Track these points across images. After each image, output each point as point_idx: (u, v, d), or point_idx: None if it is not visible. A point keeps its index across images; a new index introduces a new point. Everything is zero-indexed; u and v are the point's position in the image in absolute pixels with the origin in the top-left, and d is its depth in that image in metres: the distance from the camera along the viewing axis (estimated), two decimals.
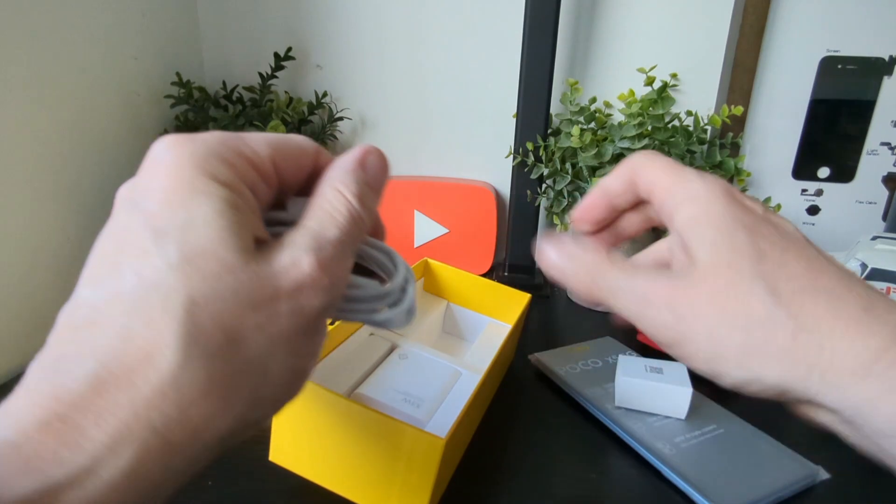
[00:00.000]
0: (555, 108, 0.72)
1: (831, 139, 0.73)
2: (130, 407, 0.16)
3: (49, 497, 0.15)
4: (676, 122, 0.68)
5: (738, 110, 0.66)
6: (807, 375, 0.22)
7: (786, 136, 0.73)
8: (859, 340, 0.22)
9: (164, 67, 0.72)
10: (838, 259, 0.65)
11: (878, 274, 0.57)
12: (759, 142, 0.74)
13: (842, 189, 0.74)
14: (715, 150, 0.68)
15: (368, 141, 0.81)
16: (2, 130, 0.50)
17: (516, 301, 0.53)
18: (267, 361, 0.18)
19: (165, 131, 0.73)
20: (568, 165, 0.68)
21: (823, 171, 0.74)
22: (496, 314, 0.56)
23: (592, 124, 0.69)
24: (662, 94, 0.63)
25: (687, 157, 0.67)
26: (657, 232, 0.67)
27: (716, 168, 0.67)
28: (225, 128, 0.71)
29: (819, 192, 0.75)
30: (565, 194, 0.68)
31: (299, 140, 0.22)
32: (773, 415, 0.49)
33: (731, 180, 0.69)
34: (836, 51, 0.69)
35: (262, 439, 0.43)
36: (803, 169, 0.74)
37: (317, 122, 0.78)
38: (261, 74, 0.74)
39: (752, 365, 0.23)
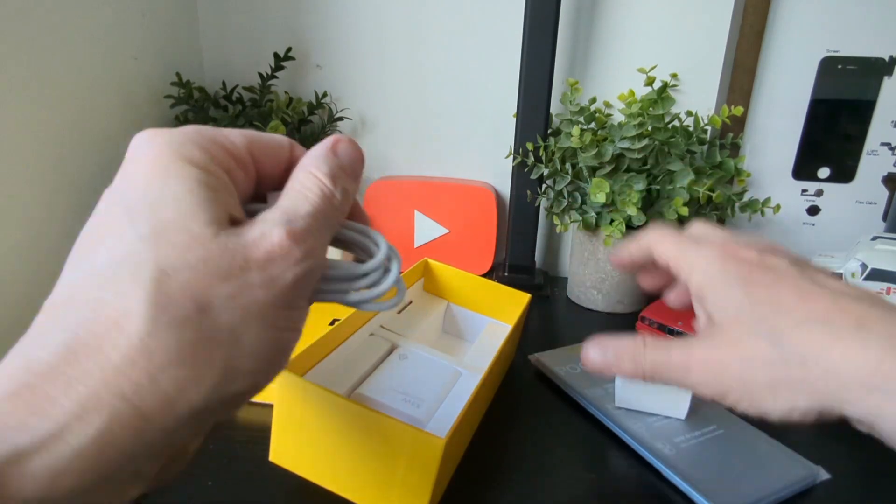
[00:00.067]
0: (555, 108, 0.72)
1: (831, 139, 0.73)
2: (100, 374, 0.16)
3: (13, 462, 0.15)
4: (676, 123, 0.68)
5: (738, 110, 0.66)
6: (827, 396, 0.25)
7: (786, 136, 0.73)
8: (857, 359, 0.24)
9: (164, 67, 0.72)
10: (838, 259, 0.65)
11: (878, 274, 0.57)
12: (759, 142, 0.74)
13: (842, 189, 0.74)
14: (715, 150, 0.68)
15: (368, 141, 0.81)
16: (2, 130, 0.50)
17: (516, 301, 0.53)
18: (240, 332, 0.18)
19: None
20: (568, 165, 0.68)
21: (823, 172, 0.74)
22: (496, 314, 0.56)
23: (592, 124, 0.69)
24: (662, 95, 0.63)
25: (687, 158, 0.67)
26: None
27: (716, 168, 0.67)
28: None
29: (819, 193, 0.75)
30: (565, 194, 0.68)
31: (274, 135, 0.23)
32: None
33: (731, 181, 0.70)
34: (836, 51, 0.69)
35: (262, 439, 0.43)
36: (803, 169, 0.74)
37: (317, 122, 0.78)
38: (261, 74, 0.74)
39: (784, 398, 0.26)
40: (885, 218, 0.74)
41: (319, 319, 0.60)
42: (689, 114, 0.70)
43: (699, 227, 0.35)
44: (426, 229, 0.79)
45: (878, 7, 0.67)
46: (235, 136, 0.21)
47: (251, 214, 0.21)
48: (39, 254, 0.54)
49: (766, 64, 0.71)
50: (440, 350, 0.48)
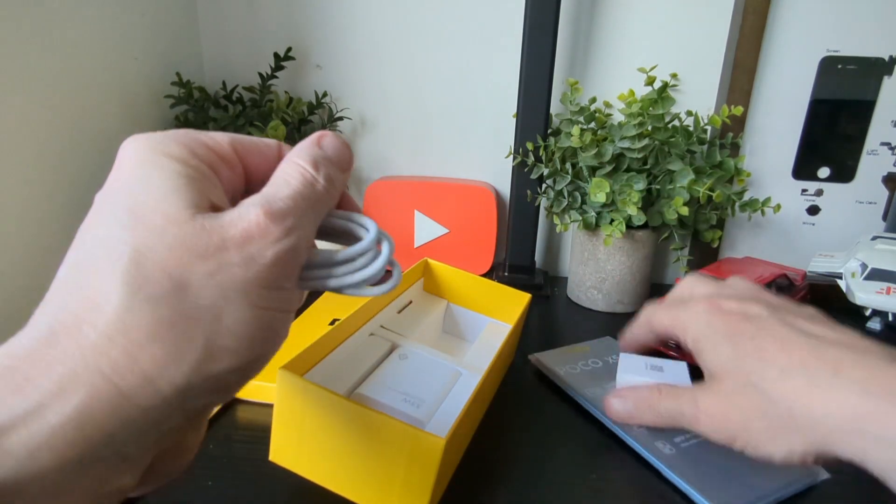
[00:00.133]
0: (555, 108, 0.72)
1: (831, 139, 0.73)
2: (78, 353, 0.17)
3: None
4: (676, 122, 0.68)
5: (738, 110, 0.66)
6: (818, 442, 0.27)
7: (786, 136, 0.73)
8: (836, 407, 0.26)
9: (164, 67, 0.72)
10: (838, 259, 0.65)
11: (877, 274, 0.57)
12: (759, 142, 0.74)
13: (842, 189, 0.74)
14: (715, 150, 0.68)
15: (368, 141, 0.81)
16: (1, 130, 0.50)
17: (516, 301, 0.53)
18: (220, 309, 0.18)
19: None
20: (568, 165, 0.68)
21: (823, 171, 0.74)
22: (496, 314, 0.56)
23: (592, 124, 0.69)
24: (662, 94, 0.63)
25: (687, 157, 0.67)
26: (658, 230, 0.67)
27: (716, 168, 0.67)
28: (224, 128, 0.71)
29: (819, 192, 0.75)
30: (565, 194, 0.68)
31: (262, 138, 0.23)
32: None
33: (731, 180, 0.70)
34: (836, 51, 0.69)
35: (262, 439, 0.43)
36: (803, 169, 0.74)
37: (317, 122, 0.78)
38: (261, 74, 0.74)
39: (781, 444, 0.29)
40: (885, 218, 0.74)
41: (319, 319, 0.60)
42: (689, 114, 0.70)
43: (684, 286, 0.40)
44: (426, 229, 0.79)
45: (878, 7, 0.67)
46: (219, 135, 0.22)
47: None
48: (39, 253, 0.54)
49: (766, 64, 0.71)
50: (440, 350, 0.48)
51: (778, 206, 0.67)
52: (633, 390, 0.36)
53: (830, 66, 0.70)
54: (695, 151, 0.69)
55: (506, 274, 0.76)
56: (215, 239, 0.18)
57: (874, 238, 0.61)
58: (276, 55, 0.73)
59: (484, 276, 0.69)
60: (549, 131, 0.72)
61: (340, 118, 0.78)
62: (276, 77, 0.74)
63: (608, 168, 0.65)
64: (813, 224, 0.76)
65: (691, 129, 0.68)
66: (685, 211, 0.61)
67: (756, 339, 0.30)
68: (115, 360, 0.17)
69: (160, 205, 0.18)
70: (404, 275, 0.51)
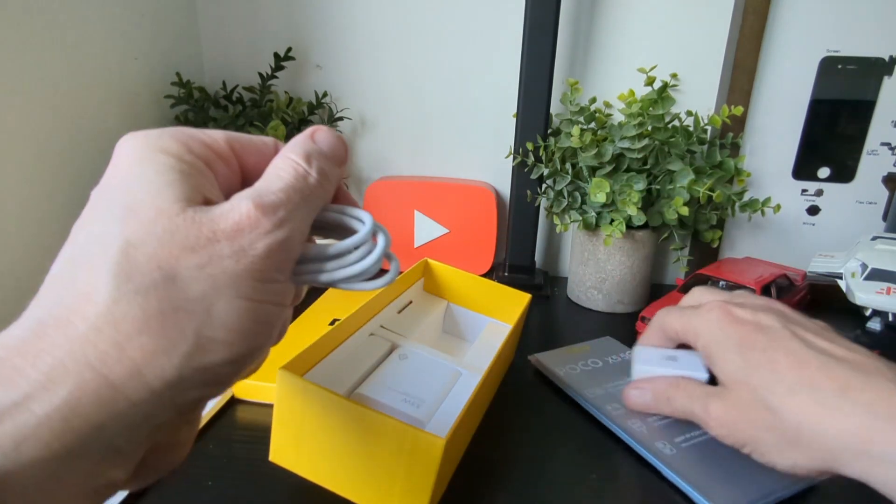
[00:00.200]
0: (555, 108, 0.72)
1: (831, 139, 0.73)
2: (66, 344, 0.17)
3: None
4: (676, 122, 0.68)
5: (738, 110, 0.66)
6: (823, 459, 0.28)
7: (786, 136, 0.73)
8: (843, 427, 0.27)
9: (164, 67, 0.72)
10: (838, 259, 0.64)
11: (877, 274, 0.57)
12: (759, 142, 0.74)
13: (842, 189, 0.74)
14: (715, 150, 0.68)
15: (368, 141, 0.81)
16: (1, 130, 0.50)
17: (516, 301, 0.53)
18: (211, 301, 0.18)
19: None
20: (568, 165, 0.68)
21: (823, 171, 0.74)
22: (496, 314, 0.56)
23: (592, 124, 0.69)
24: (662, 94, 0.63)
25: (687, 157, 0.67)
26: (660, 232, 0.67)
27: (716, 168, 0.67)
28: (225, 128, 0.71)
29: (819, 192, 0.75)
30: (565, 194, 0.68)
31: (258, 136, 0.24)
32: None
33: (731, 180, 0.70)
34: (836, 51, 0.69)
35: (262, 439, 0.43)
36: (803, 169, 0.74)
37: (317, 122, 0.78)
38: (261, 74, 0.74)
39: (787, 457, 0.29)
40: (885, 218, 0.74)
41: (319, 319, 0.60)
42: (689, 114, 0.70)
43: (696, 294, 0.40)
44: (426, 229, 0.79)
45: (878, 7, 0.67)
46: (215, 132, 0.22)
47: None
48: (39, 253, 0.54)
49: (765, 64, 0.71)
50: (440, 350, 0.48)
51: (778, 207, 0.67)
52: (650, 382, 0.37)
53: (830, 66, 0.70)
54: (695, 151, 0.69)
55: (506, 274, 0.76)
56: (206, 231, 0.18)
57: (874, 238, 0.61)
58: (276, 55, 0.73)
59: (484, 276, 0.69)
60: (549, 131, 0.72)
61: (340, 118, 0.78)
62: (276, 77, 0.74)
63: (608, 168, 0.65)
64: (813, 224, 0.76)
65: (691, 129, 0.68)
66: (685, 211, 0.61)
67: (768, 351, 0.30)
68: (104, 351, 0.17)
69: (153, 199, 0.18)
70: (404, 275, 0.51)
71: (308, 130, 0.24)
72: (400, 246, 0.80)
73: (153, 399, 0.18)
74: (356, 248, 0.23)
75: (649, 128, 0.64)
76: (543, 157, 0.69)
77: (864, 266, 0.57)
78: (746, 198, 0.67)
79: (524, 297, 0.53)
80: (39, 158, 0.54)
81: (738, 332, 0.32)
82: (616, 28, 0.72)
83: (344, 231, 0.24)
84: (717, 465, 0.40)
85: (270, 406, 0.42)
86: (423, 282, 0.57)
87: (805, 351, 0.29)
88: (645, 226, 0.66)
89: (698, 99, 0.73)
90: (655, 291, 0.73)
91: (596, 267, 0.69)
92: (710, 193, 0.62)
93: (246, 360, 0.20)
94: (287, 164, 0.22)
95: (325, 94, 0.78)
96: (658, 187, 0.65)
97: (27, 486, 0.16)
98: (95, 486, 0.18)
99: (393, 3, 0.74)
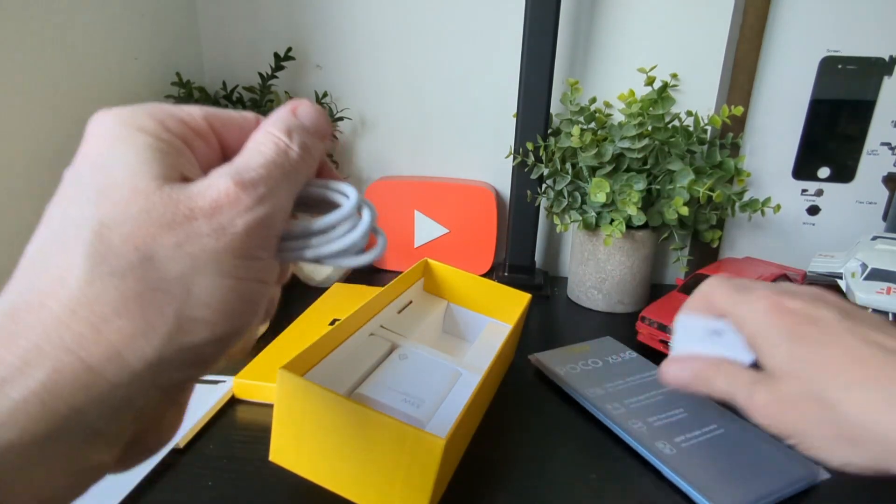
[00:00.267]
0: (555, 108, 0.72)
1: (831, 139, 0.73)
2: (41, 327, 0.16)
3: None
4: (676, 122, 0.68)
5: (738, 110, 0.66)
6: (881, 459, 0.26)
7: (786, 136, 0.73)
8: None
9: (164, 67, 0.72)
10: (838, 259, 0.64)
11: (877, 274, 0.57)
12: (759, 142, 0.74)
13: (842, 189, 0.74)
14: (715, 150, 0.68)
15: (368, 141, 0.81)
16: (1, 130, 0.50)
17: (516, 301, 0.53)
18: (191, 280, 0.18)
19: None
20: (568, 165, 0.68)
21: (823, 171, 0.74)
22: (496, 314, 0.56)
23: (592, 124, 0.69)
24: (662, 94, 0.63)
25: (687, 157, 0.67)
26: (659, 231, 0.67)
27: (716, 168, 0.67)
28: None
29: (819, 192, 0.75)
30: (565, 194, 0.68)
31: (239, 111, 0.23)
32: None
33: (731, 180, 0.70)
34: (836, 51, 0.69)
35: (262, 439, 0.43)
36: (803, 169, 0.74)
37: None
38: (261, 74, 0.74)
39: (840, 454, 0.28)
40: (885, 218, 0.74)
41: (319, 319, 0.60)
42: (689, 114, 0.70)
43: (747, 280, 0.36)
44: (426, 229, 0.79)
45: (878, 7, 0.67)
46: (192, 109, 0.21)
47: None
48: None
49: (766, 64, 0.71)
50: (440, 350, 0.48)
51: (778, 207, 0.67)
52: (692, 360, 0.35)
53: (830, 66, 0.70)
54: (695, 151, 0.69)
55: (506, 274, 0.76)
56: (183, 209, 0.18)
57: (874, 238, 0.61)
58: (276, 55, 0.73)
59: (484, 276, 0.69)
60: (549, 131, 0.72)
61: (340, 118, 0.78)
62: (277, 77, 0.74)
63: (608, 168, 0.65)
64: (813, 224, 0.76)
65: (691, 129, 0.68)
66: (685, 211, 0.61)
67: (821, 345, 0.29)
68: (80, 333, 0.17)
69: (127, 178, 0.18)
70: (404, 275, 0.51)
71: (289, 104, 0.23)
72: (400, 246, 0.80)
73: (134, 381, 0.17)
74: (341, 222, 0.22)
75: (649, 128, 0.64)
76: (543, 157, 0.69)
77: (864, 266, 0.57)
78: (746, 198, 0.67)
79: (524, 297, 0.53)
80: (39, 158, 0.54)
81: (788, 323, 0.30)
82: (616, 28, 0.72)
83: (329, 206, 0.23)
84: (717, 465, 0.40)
85: (270, 406, 0.42)
86: (423, 282, 0.57)
87: (863, 346, 0.28)
88: (645, 226, 0.66)
89: (698, 99, 0.73)
90: (655, 291, 0.73)
91: (596, 267, 0.69)
92: (710, 193, 0.62)
93: (230, 339, 0.20)
94: (268, 138, 0.21)
95: (325, 94, 0.78)
96: (658, 187, 0.65)
97: (6, 469, 0.15)
98: (78, 468, 0.17)
99: (393, 3, 0.74)
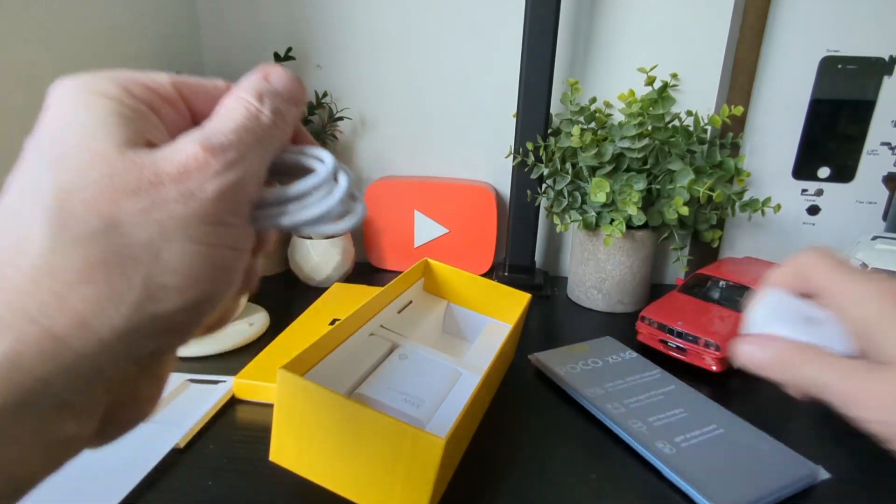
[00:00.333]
0: (555, 108, 0.72)
1: (831, 139, 0.73)
2: (2, 297, 0.16)
3: None
4: (676, 122, 0.68)
5: (738, 110, 0.66)
6: None
7: (786, 136, 0.73)
8: None
9: (164, 67, 0.72)
10: None
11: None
12: (759, 142, 0.74)
13: (842, 189, 0.74)
14: (715, 150, 0.68)
15: (368, 141, 0.81)
16: (1, 130, 0.50)
17: (516, 301, 0.53)
18: (159, 247, 0.18)
19: None
20: (568, 165, 0.68)
21: (823, 171, 0.74)
22: (496, 314, 0.56)
23: (592, 124, 0.69)
24: (662, 94, 0.63)
25: (687, 157, 0.67)
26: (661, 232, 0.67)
27: (716, 168, 0.67)
28: None
29: (819, 192, 0.75)
30: (565, 194, 0.68)
31: (210, 79, 0.22)
32: (773, 415, 0.49)
33: (731, 180, 0.70)
34: (836, 51, 0.69)
35: (262, 439, 0.43)
36: (803, 169, 0.74)
37: (317, 122, 0.78)
38: None
39: None
40: (885, 218, 0.74)
41: (319, 319, 0.60)
42: (689, 113, 0.70)
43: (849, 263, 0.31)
44: (426, 229, 0.79)
45: (878, 7, 0.67)
46: (159, 75, 0.21)
47: None
48: None
49: (766, 64, 0.71)
50: (440, 350, 0.48)
51: (778, 206, 0.67)
52: (775, 341, 0.30)
53: (830, 66, 0.70)
54: (695, 151, 0.69)
55: (506, 274, 0.76)
56: (148, 174, 0.18)
57: (874, 238, 0.61)
58: (276, 55, 0.73)
59: (484, 276, 0.69)
60: (549, 131, 0.72)
61: (340, 118, 0.78)
62: None
63: (608, 168, 0.65)
64: (813, 224, 0.76)
65: (691, 129, 0.68)
66: (685, 211, 0.61)
67: None
68: (44, 302, 0.16)
69: (88, 143, 0.18)
70: (404, 275, 0.51)
71: (259, 69, 0.22)
72: (400, 246, 0.80)
73: (103, 350, 0.17)
74: (317, 188, 0.22)
75: (649, 128, 0.64)
76: (543, 157, 0.69)
77: (865, 266, 0.57)
78: (746, 198, 0.67)
79: (524, 297, 0.53)
80: None
81: None
82: (616, 28, 0.72)
83: (305, 174, 0.23)
84: (717, 465, 0.40)
85: (270, 406, 0.42)
86: (423, 282, 0.57)
87: None
88: (645, 226, 0.66)
89: (698, 99, 0.73)
90: (655, 291, 0.73)
91: (596, 267, 0.69)
92: (710, 193, 0.62)
93: (203, 308, 0.19)
94: (238, 103, 0.21)
95: (325, 94, 0.78)
96: (658, 187, 0.65)
97: None
98: (50, 442, 0.17)
99: (393, 3, 0.74)
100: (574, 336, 0.61)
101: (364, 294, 0.67)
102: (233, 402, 0.48)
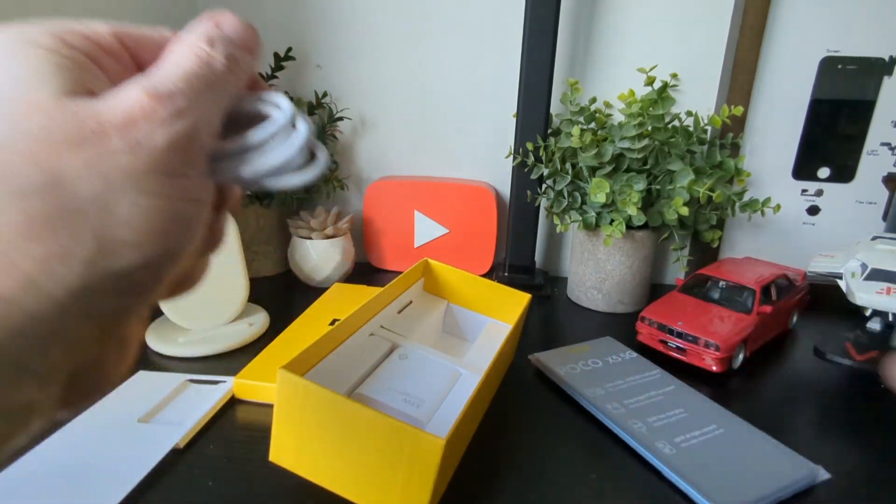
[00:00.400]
0: (555, 108, 0.72)
1: (831, 139, 0.73)
2: None
3: None
4: (676, 123, 0.68)
5: (738, 110, 0.66)
6: None
7: (786, 136, 0.73)
8: None
9: None
10: (838, 259, 0.64)
11: (877, 274, 0.57)
12: (759, 142, 0.74)
13: (842, 189, 0.74)
14: (715, 150, 0.68)
15: (368, 141, 0.81)
16: None
17: (516, 301, 0.53)
18: (108, 200, 0.17)
19: None
20: (568, 165, 0.68)
21: (823, 171, 0.74)
22: (496, 314, 0.56)
23: (592, 124, 0.69)
24: (662, 94, 0.63)
25: (687, 157, 0.67)
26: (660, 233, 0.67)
27: (716, 168, 0.67)
28: None
29: (819, 193, 0.75)
30: (565, 194, 0.68)
31: (155, 28, 0.22)
32: (774, 415, 0.49)
33: (731, 180, 0.70)
34: (836, 51, 0.69)
35: (262, 439, 0.43)
36: (803, 169, 0.74)
37: (317, 122, 0.78)
38: (261, 74, 0.74)
39: None
40: (885, 218, 0.74)
41: (319, 319, 0.60)
42: (689, 114, 0.70)
43: None
44: (426, 229, 0.79)
45: (878, 7, 0.67)
46: (98, 24, 0.20)
47: None
48: None
49: (766, 64, 0.71)
50: (440, 350, 0.48)
51: (778, 207, 0.67)
52: None
53: (830, 66, 0.70)
54: (695, 151, 0.69)
55: (506, 274, 0.76)
56: (91, 124, 0.17)
57: (874, 238, 0.61)
58: (276, 55, 0.73)
59: (484, 276, 0.69)
60: (549, 131, 0.72)
61: (340, 118, 0.78)
62: (277, 77, 0.74)
63: (608, 168, 0.65)
64: (813, 224, 0.76)
65: (691, 129, 0.68)
66: (685, 211, 0.61)
67: None
68: None
69: (22, 93, 0.17)
70: (404, 275, 0.51)
71: (209, 15, 0.22)
72: (400, 246, 0.80)
73: (58, 310, 0.16)
74: (275, 135, 0.21)
75: (649, 128, 0.64)
76: (543, 157, 0.69)
77: (864, 266, 0.57)
78: (746, 198, 0.67)
79: (524, 297, 0.53)
80: None
81: None
82: (616, 28, 0.72)
83: (255, 119, 0.22)
84: (717, 465, 0.40)
85: (270, 406, 0.42)
86: (423, 282, 0.57)
87: None
88: (645, 226, 0.66)
89: (698, 99, 0.73)
90: (655, 291, 0.73)
91: (596, 267, 0.69)
92: (710, 193, 0.62)
93: (163, 264, 0.19)
94: (188, 49, 0.20)
95: (325, 94, 0.78)
96: (658, 187, 0.65)
97: None
98: (7, 406, 0.17)
99: (393, 2, 0.74)
100: (574, 336, 0.61)
101: (364, 294, 0.67)
102: (233, 403, 0.48)
